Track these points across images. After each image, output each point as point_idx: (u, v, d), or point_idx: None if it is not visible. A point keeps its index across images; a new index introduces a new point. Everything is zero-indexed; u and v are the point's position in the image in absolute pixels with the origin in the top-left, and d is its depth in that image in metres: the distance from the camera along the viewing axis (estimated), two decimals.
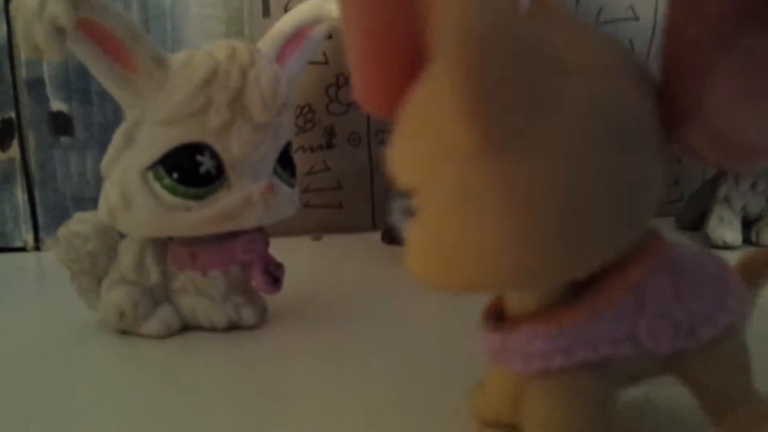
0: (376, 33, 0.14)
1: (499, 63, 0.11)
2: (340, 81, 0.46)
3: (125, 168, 0.25)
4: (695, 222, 0.47)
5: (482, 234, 0.12)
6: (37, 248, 0.44)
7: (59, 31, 0.22)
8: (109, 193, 0.25)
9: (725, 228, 0.42)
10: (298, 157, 0.30)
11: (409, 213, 0.14)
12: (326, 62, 0.46)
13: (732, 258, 0.40)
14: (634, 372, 0.16)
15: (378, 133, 0.48)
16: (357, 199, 0.49)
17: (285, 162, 0.28)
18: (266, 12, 0.44)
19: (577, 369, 0.15)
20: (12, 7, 0.31)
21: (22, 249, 0.44)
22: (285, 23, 0.29)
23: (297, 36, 0.29)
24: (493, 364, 0.16)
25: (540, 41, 0.12)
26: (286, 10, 0.43)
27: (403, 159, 0.14)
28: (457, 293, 0.14)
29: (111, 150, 0.25)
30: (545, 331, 0.15)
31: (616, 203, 0.13)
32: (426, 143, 0.13)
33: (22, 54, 0.42)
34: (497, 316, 0.17)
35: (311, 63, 0.30)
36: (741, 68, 0.12)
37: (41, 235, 0.44)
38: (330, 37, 0.30)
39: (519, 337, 0.15)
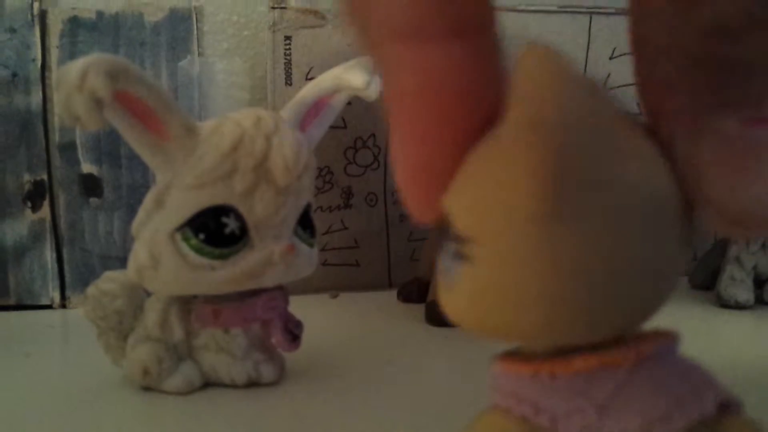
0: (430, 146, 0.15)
1: (572, 148, 0.13)
2: (358, 144, 0.48)
3: (155, 229, 0.26)
4: (707, 281, 0.47)
5: (526, 289, 0.14)
6: (63, 306, 0.45)
7: (98, 103, 0.23)
8: (139, 253, 0.26)
9: (737, 287, 0.43)
10: (316, 217, 0.31)
11: (460, 257, 0.15)
12: (345, 126, 0.47)
13: (745, 318, 0.40)
14: None
15: (394, 194, 0.49)
16: (373, 257, 0.50)
17: (305, 223, 0.29)
18: (288, 81, 0.46)
19: (505, 412, 0.16)
20: (54, 79, 0.33)
21: (49, 307, 0.45)
22: (307, 92, 0.30)
23: (318, 104, 0.30)
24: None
25: (601, 125, 0.14)
26: (307, 80, 0.45)
27: (462, 207, 0.15)
28: (486, 336, 0.15)
29: (141, 212, 0.26)
30: (500, 370, 0.17)
31: (648, 279, 0.14)
32: (489, 199, 0.14)
33: (56, 120, 0.44)
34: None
35: (331, 127, 0.31)
36: (720, 152, 0.14)
37: (67, 293, 0.45)
38: (349, 103, 0.31)
39: (492, 370, 0.17)
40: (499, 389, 0.17)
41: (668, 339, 0.16)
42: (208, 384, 0.29)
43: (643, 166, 0.14)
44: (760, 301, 0.43)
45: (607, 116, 0.14)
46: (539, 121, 0.13)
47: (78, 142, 0.45)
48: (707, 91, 0.14)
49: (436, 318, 0.39)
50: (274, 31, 0.46)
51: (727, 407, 0.15)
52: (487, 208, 0.14)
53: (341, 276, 0.49)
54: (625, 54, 0.52)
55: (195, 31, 0.46)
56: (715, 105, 0.14)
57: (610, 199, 0.14)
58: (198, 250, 0.26)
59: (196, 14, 0.46)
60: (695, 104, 0.14)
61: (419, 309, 0.41)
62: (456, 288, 0.15)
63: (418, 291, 0.44)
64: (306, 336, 0.29)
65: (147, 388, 0.28)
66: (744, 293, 0.42)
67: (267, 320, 0.28)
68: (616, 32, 0.51)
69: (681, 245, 0.15)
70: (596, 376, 0.15)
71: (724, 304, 0.43)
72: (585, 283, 0.14)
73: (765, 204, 0.14)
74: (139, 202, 0.27)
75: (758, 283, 0.44)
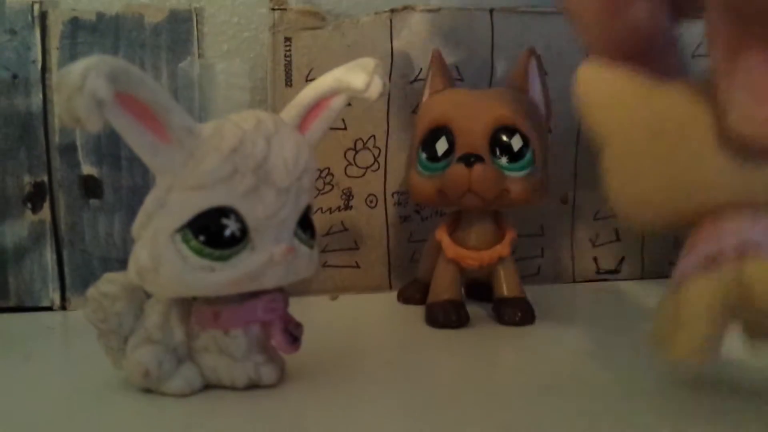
0: None
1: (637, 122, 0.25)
2: (358, 146, 0.48)
3: (155, 231, 0.26)
4: None
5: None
6: (63, 307, 0.45)
7: (99, 104, 0.23)
8: (139, 255, 0.26)
9: None
10: (316, 218, 0.31)
11: None
12: (345, 128, 0.48)
13: None
14: None
15: (394, 195, 0.49)
16: (374, 259, 0.50)
17: (305, 224, 0.29)
18: (289, 82, 0.46)
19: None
20: (54, 81, 0.33)
21: (49, 308, 0.45)
22: (306, 94, 0.30)
23: (318, 106, 0.30)
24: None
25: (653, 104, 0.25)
26: (307, 81, 0.45)
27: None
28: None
29: (142, 214, 0.26)
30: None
31: (681, 184, 0.24)
32: None
33: (57, 122, 0.44)
34: None
35: (331, 128, 0.31)
36: (743, 83, 0.20)
37: (68, 294, 0.45)
38: (349, 104, 0.31)
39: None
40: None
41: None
42: (208, 386, 0.29)
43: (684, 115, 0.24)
44: None
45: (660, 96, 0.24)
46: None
47: (78, 143, 0.45)
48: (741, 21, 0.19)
49: (437, 320, 0.39)
50: (274, 33, 0.46)
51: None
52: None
53: (341, 278, 0.49)
54: None
55: (195, 33, 0.46)
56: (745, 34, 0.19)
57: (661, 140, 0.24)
58: (198, 252, 0.26)
59: (196, 16, 0.47)
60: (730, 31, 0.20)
61: (420, 311, 0.41)
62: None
63: (418, 292, 0.44)
64: (306, 338, 0.29)
65: (147, 390, 0.28)
66: None
67: (267, 322, 0.28)
68: None
69: (719, 165, 0.23)
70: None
71: None
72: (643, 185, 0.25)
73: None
74: (140, 203, 0.27)
75: None
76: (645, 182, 0.24)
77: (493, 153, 0.38)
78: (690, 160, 0.23)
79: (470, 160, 0.37)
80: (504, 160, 0.38)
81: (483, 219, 0.40)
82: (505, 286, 0.40)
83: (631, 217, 0.25)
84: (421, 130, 0.40)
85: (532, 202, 0.39)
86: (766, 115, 0.20)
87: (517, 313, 0.39)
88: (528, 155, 0.38)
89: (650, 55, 0.24)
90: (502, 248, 0.40)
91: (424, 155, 0.40)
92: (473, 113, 0.38)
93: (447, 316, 0.39)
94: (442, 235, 0.40)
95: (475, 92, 0.42)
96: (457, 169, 0.37)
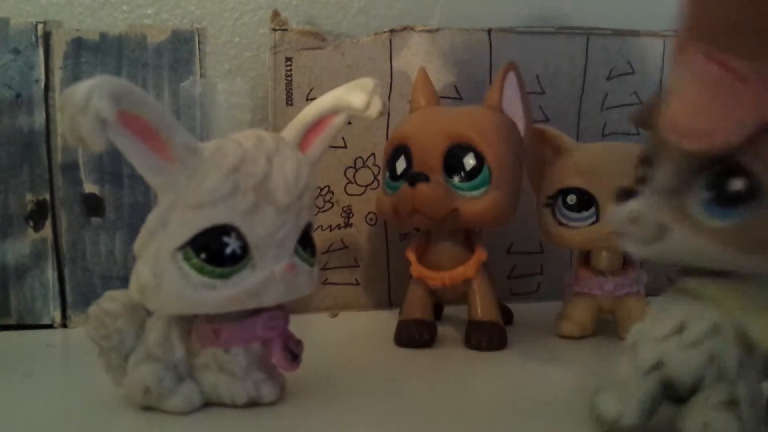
0: None
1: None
2: (358, 164, 0.48)
3: (157, 249, 0.26)
4: None
5: None
6: (64, 325, 0.45)
7: (102, 124, 0.23)
8: (141, 273, 0.26)
9: None
10: (317, 236, 0.31)
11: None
12: (345, 146, 0.48)
13: None
14: None
15: None
16: (373, 276, 0.50)
17: (305, 242, 0.29)
18: (289, 101, 0.47)
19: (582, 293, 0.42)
20: (58, 101, 0.33)
21: (50, 326, 0.45)
22: (307, 113, 0.31)
23: (318, 124, 0.31)
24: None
25: None
26: (308, 100, 0.46)
27: None
28: None
29: (144, 232, 0.27)
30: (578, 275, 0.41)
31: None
32: None
33: (59, 140, 0.45)
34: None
35: (331, 147, 0.32)
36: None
37: (68, 312, 0.45)
38: (349, 123, 0.32)
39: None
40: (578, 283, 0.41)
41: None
42: (208, 403, 0.29)
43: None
44: None
45: None
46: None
47: (80, 162, 0.45)
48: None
49: (401, 338, 0.39)
50: (275, 53, 0.47)
51: None
52: None
53: (341, 295, 0.49)
54: (621, 74, 0.52)
55: (197, 53, 0.47)
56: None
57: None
58: (199, 270, 0.26)
59: (198, 36, 0.47)
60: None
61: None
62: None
63: None
64: (306, 355, 0.29)
65: (148, 408, 0.28)
66: None
67: (267, 339, 0.28)
68: (612, 53, 0.52)
69: None
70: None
71: None
72: None
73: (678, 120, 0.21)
74: (141, 221, 0.27)
75: None
76: None
77: (448, 171, 0.37)
78: None
79: (414, 179, 0.36)
80: (456, 179, 0.37)
81: (452, 239, 0.39)
82: (477, 308, 0.39)
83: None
84: (386, 149, 0.40)
85: (487, 223, 0.38)
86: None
87: (483, 338, 0.38)
88: (483, 174, 0.37)
89: None
90: (466, 269, 0.38)
91: (387, 174, 0.40)
92: (430, 132, 0.38)
93: (410, 335, 0.39)
94: (410, 254, 0.40)
95: (441, 110, 0.41)
96: (402, 189, 0.37)
